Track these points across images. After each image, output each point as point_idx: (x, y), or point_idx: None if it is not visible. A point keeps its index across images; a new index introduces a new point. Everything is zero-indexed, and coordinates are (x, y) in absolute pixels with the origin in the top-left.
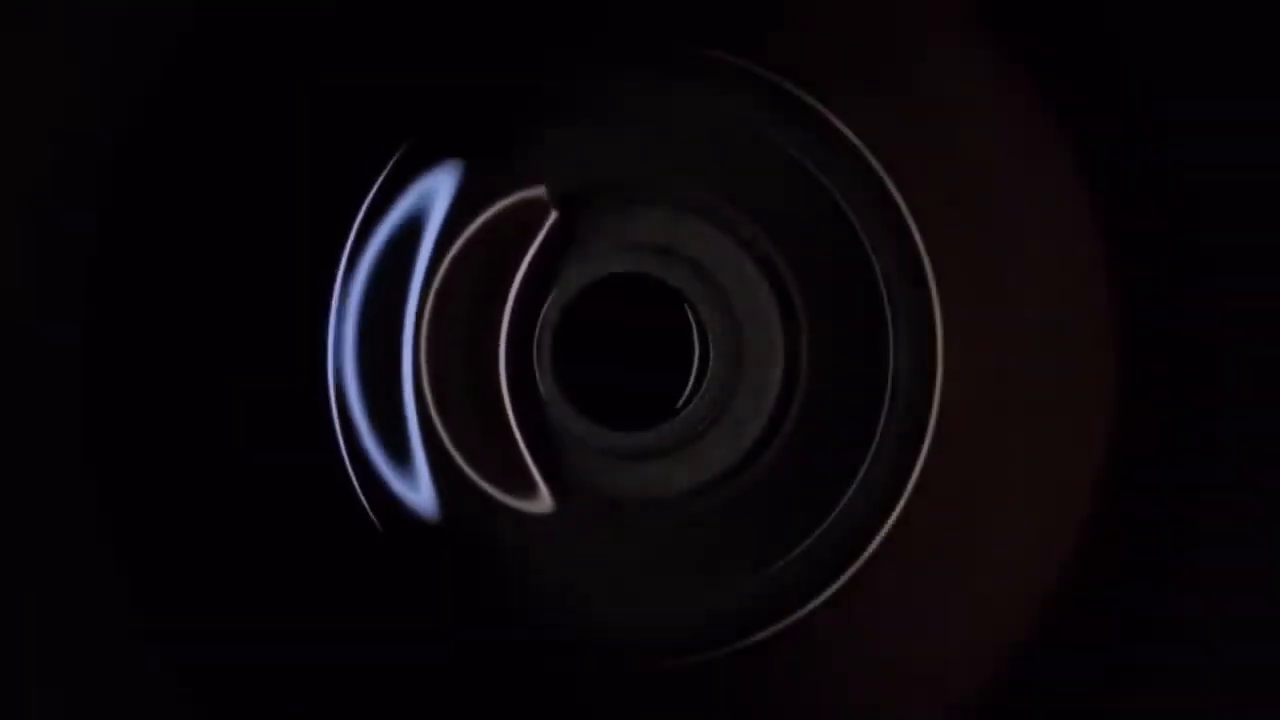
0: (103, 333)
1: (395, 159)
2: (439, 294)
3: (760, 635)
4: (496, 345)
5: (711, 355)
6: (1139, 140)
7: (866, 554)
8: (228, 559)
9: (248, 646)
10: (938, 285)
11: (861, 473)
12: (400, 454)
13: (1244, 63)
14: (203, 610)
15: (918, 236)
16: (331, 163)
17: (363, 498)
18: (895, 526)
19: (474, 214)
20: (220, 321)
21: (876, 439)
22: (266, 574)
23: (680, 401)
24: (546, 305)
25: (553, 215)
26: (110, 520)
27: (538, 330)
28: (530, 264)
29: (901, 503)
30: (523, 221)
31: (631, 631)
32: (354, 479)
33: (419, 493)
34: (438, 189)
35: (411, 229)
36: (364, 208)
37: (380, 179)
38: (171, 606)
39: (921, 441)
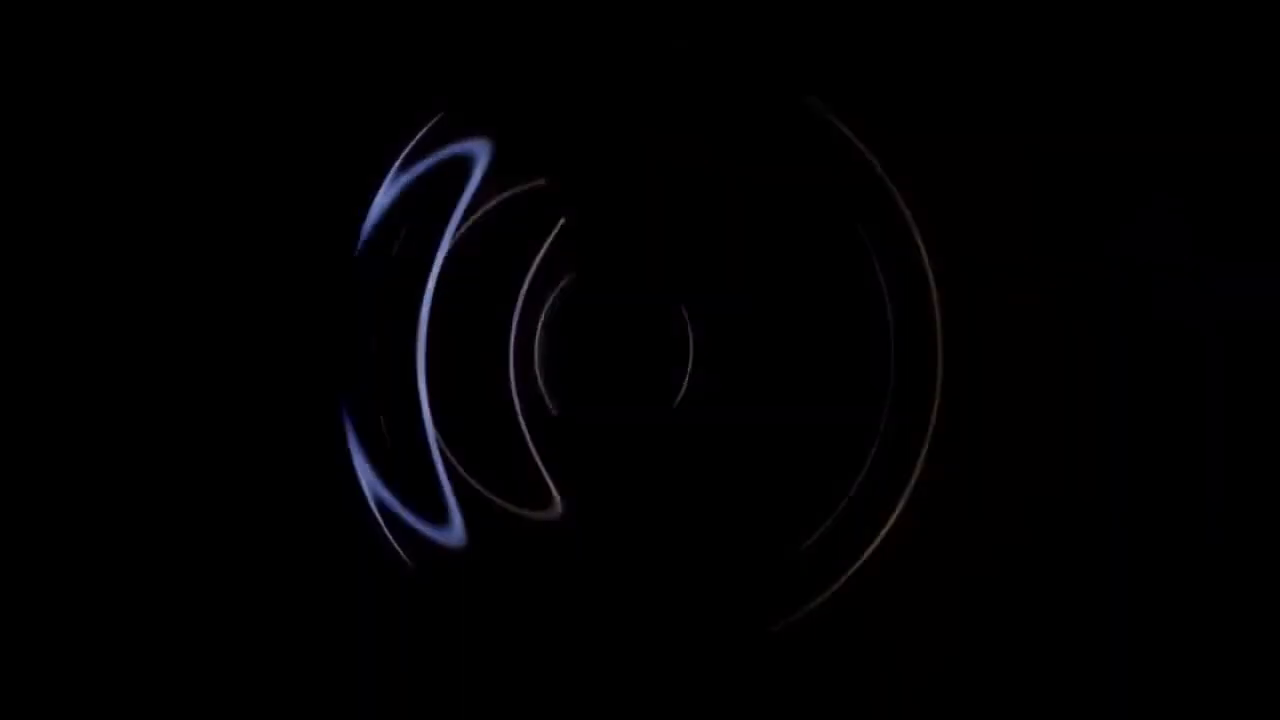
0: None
1: (399, 161)
2: (443, 293)
3: (763, 634)
4: (505, 346)
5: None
6: (1140, 138)
7: (866, 554)
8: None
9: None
10: (938, 286)
11: (862, 472)
12: (409, 461)
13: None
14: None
15: (918, 237)
16: (338, 162)
17: (374, 507)
18: (895, 527)
19: (475, 217)
20: (225, 324)
21: (877, 439)
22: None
23: (680, 401)
24: (547, 305)
25: (556, 215)
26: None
27: (539, 329)
28: (534, 264)
29: (901, 503)
30: (526, 222)
31: (635, 631)
32: (364, 485)
33: (429, 499)
34: (440, 193)
35: (412, 236)
36: (366, 213)
37: (387, 179)
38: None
39: (922, 442)
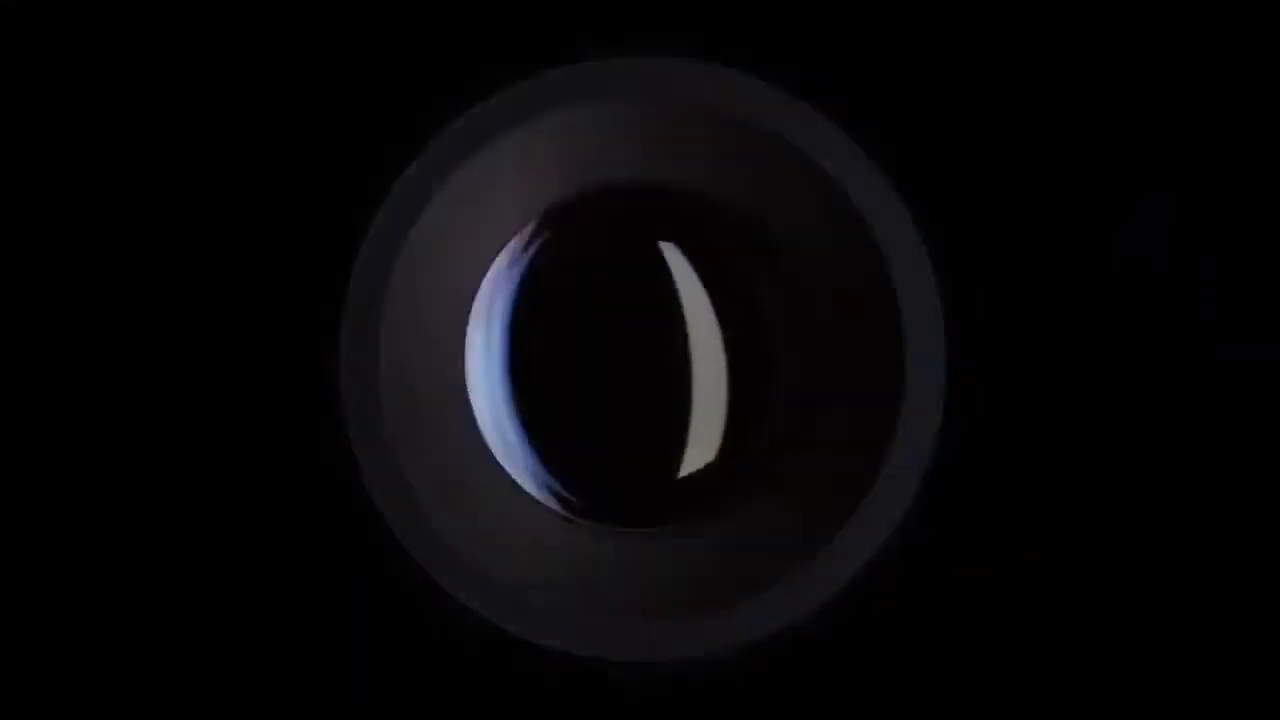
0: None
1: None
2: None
3: (768, 637)
4: (512, 349)
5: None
6: (1138, 139)
7: (868, 557)
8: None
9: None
10: (938, 286)
11: (863, 473)
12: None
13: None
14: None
15: (920, 238)
16: (348, 164)
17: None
18: (896, 528)
19: (481, 222)
20: (228, 332)
21: (878, 438)
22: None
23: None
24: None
25: (559, 223)
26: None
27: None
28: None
29: (901, 504)
30: (531, 225)
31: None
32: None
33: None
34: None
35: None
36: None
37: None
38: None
39: (922, 442)
